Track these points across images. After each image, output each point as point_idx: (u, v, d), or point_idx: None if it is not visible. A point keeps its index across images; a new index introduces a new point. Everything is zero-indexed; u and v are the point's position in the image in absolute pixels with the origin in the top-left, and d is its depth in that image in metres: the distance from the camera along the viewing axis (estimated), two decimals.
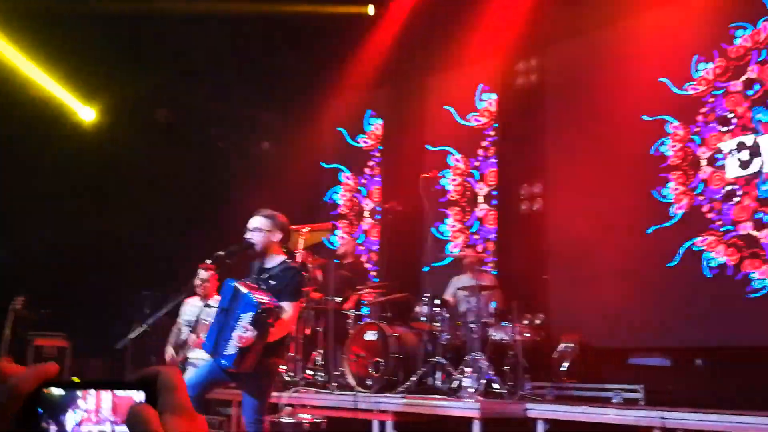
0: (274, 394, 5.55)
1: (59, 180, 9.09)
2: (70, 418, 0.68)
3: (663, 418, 5.06)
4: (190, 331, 6.16)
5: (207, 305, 5.83)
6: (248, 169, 10.24)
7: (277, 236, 4.51)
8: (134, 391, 0.69)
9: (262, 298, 4.22)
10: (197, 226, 9.41)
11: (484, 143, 9.31)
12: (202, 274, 6.23)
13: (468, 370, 6.21)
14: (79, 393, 0.69)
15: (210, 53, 9.30)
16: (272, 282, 4.45)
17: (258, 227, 4.51)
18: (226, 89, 10.06)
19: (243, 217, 4.69)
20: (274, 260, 4.55)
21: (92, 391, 0.69)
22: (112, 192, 9.41)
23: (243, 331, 4.12)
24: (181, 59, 9.33)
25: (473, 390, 6.01)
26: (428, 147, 9.72)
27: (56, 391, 0.68)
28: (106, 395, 0.69)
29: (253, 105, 10.53)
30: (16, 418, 0.66)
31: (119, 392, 0.69)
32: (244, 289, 4.26)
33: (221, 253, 4.48)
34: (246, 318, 4.14)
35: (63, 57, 8.96)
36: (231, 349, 4.18)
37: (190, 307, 6.45)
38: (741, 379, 6.32)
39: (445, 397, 6.13)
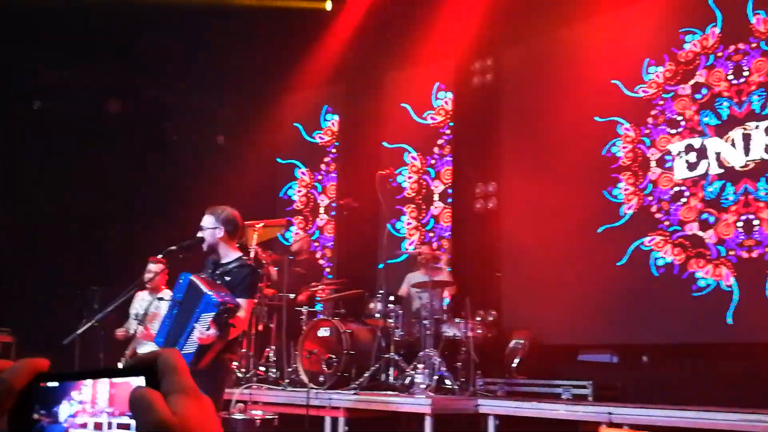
0: (227, 390, 5.51)
1: (5, 171, 8.86)
2: (64, 410, 0.67)
3: (610, 413, 5.17)
4: (139, 323, 6.08)
5: (159, 299, 5.76)
6: (202, 164, 10.12)
7: (221, 232, 4.49)
8: (133, 378, 0.66)
9: (223, 297, 4.19)
10: (149, 220, 9.27)
11: (440, 141, 9.37)
12: (152, 267, 6.17)
13: (420, 366, 6.25)
14: (73, 384, 0.67)
15: (165, 45, 9.16)
16: (227, 278, 4.44)
17: (203, 225, 4.53)
18: (180, 82, 9.92)
19: (195, 211, 4.65)
20: (229, 256, 4.54)
21: (88, 381, 0.67)
22: (62, 184, 9.21)
23: (204, 329, 4.10)
24: (135, 51, 9.17)
25: (425, 386, 6.06)
26: (385, 144, 9.75)
27: (50, 384, 0.67)
28: (103, 385, 0.67)
29: (208, 99, 10.41)
30: (9, 413, 0.65)
31: (117, 380, 0.67)
32: (204, 288, 4.21)
33: (173, 247, 4.44)
34: (207, 317, 4.11)
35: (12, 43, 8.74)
36: (190, 347, 4.15)
37: (140, 301, 6.37)
38: (685, 375, 6.50)
39: (397, 393, 6.16)
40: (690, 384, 6.22)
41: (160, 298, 5.73)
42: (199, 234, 4.53)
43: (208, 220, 4.52)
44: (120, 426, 0.67)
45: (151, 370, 0.65)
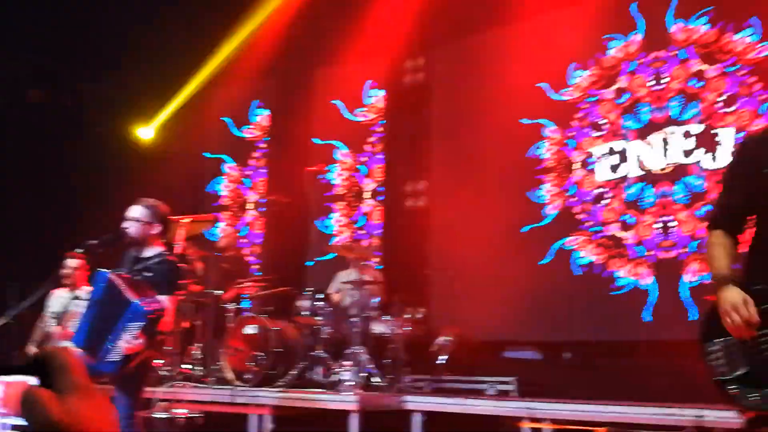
0: (149, 389, 5.37)
1: None
2: None
3: (532, 408, 5.27)
4: (57, 323, 5.87)
5: (76, 297, 5.57)
6: (126, 157, 9.83)
7: (156, 228, 4.40)
8: (27, 377, 0.63)
9: (150, 302, 4.07)
10: (69, 214, 8.95)
11: (371, 139, 9.38)
12: (70, 262, 5.97)
13: (348, 363, 6.24)
14: None
15: (88, 33, 8.86)
16: (148, 274, 4.31)
17: (136, 217, 4.38)
18: (103, 72, 9.61)
19: (118, 205, 4.51)
20: (151, 251, 4.42)
21: None
22: None
23: (132, 339, 3.98)
24: (57, 38, 8.84)
25: (352, 383, 6.05)
26: (315, 141, 9.69)
27: None
28: None
29: (132, 90, 10.11)
30: None
31: (8, 378, 0.64)
32: (129, 293, 4.07)
33: (93, 241, 4.30)
34: (135, 326, 3.99)
35: None
36: (115, 356, 4.02)
37: (57, 299, 6.14)
38: (605, 371, 6.69)
39: (324, 390, 6.14)
40: (610, 379, 6.41)
41: (79, 296, 5.54)
42: (126, 225, 4.39)
43: (141, 213, 4.38)
44: (14, 427, 0.65)
45: (44, 368, 0.63)
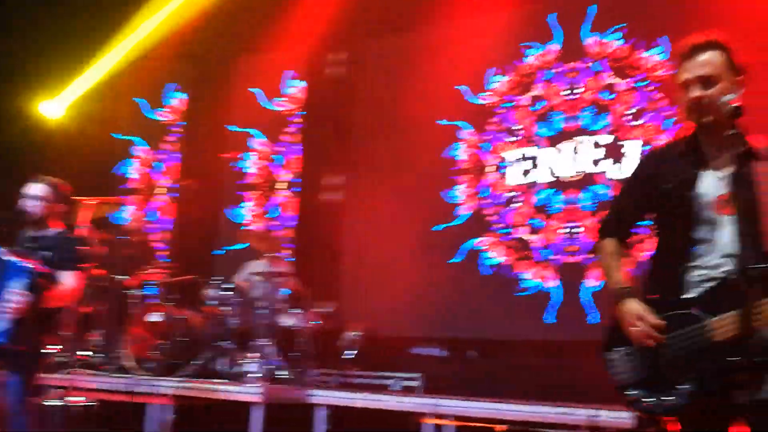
0: (44, 375, 5.15)
1: None
2: None
3: (436, 405, 5.35)
4: None
5: None
6: (28, 133, 9.36)
7: (59, 208, 4.24)
8: None
9: (31, 262, 3.92)
10: None
11: (289, 129, 9.28)
12: None
13: (254, 355, 6.16)
14: None
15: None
16: (46, 252, 4.14)
17: (38, 195, 4.20)
18: (5, 44, 9.11)
19: (17, 184, 4.31)
20: (49, 230, 4.25)
21: None
22: None
23: (15, 298, 3.80)
24: None
25: (258, 375, 5.98)
26: (231, 128, 9.51)
27: None
28: None
29: (37, 64, 9.61)
30: None
31: None
32: (10, 256, 3.92)
33: None
34: (17, 285, 3.82)
35: None
36: (3, 323, 3.83)
37: None
38: (509, 369, 6.86)
39: (227, 381, 6.04)
40: (512, 378, 6.58)
41: None
42: (27, 203, 4.20)
43: (42, 191, 4.21)
44: None
45: None
